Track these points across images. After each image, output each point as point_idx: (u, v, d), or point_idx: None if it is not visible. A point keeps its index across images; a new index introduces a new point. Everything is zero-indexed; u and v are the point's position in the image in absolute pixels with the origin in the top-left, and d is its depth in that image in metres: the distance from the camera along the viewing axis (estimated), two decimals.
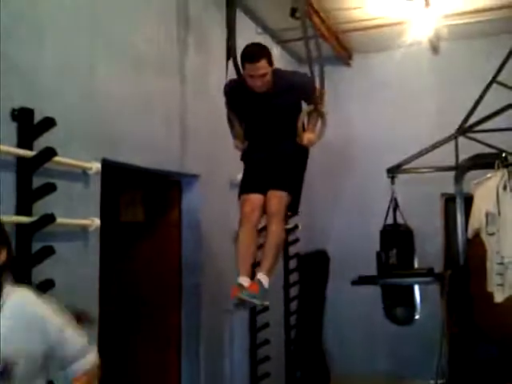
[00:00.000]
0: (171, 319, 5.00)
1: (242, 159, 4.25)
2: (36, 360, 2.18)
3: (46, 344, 2.20)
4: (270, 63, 3.80)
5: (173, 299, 5.01)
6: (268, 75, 3.80)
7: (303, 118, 4.00)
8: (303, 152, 4.15)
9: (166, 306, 5.02)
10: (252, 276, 3.85)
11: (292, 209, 4.12)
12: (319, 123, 4.13)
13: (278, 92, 3.91)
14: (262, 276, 3.79)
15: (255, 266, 4.03)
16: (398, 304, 6.15)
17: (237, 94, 4.07)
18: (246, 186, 4.09)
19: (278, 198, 3.94)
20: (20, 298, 2.21)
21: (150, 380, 5.02)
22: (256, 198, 3.98)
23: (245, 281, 3.77)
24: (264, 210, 4.00)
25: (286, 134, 4.06)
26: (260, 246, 4.01)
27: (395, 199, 6.07)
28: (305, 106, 4.06)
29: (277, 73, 3.93)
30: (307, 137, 4.03)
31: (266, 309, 5.80)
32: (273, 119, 4.01)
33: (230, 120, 4.20)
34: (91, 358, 2.35)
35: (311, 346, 6.95)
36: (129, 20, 4.19)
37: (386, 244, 6.07)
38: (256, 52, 3.79)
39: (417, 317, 6.15)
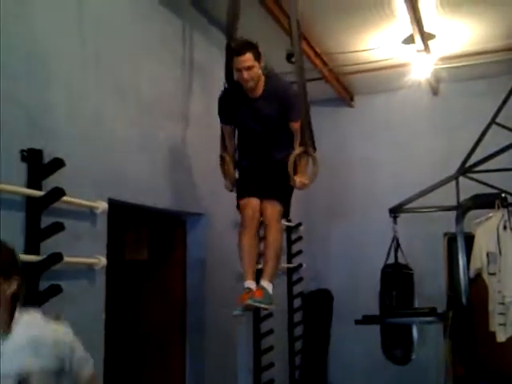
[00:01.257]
0: (176, 357, 5.01)
1: (234, 167, 4.35)
2: (48, 378, 2.26)
3: (58, 362, 2.29)
4: (257, 58, 3.91)
5: (177, 336, 5.03)
6: (255, 69, 3.90)
7: (293, 160, 4.06)
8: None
9: (171, 343, 5.04)
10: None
11: (284, 214, 4.23)
12: (311, 166, 4.21)
13: (266, 96, 4.03)
14: (265, 283, 3.96)
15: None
16: (395, 344, 6.15)
17: (229, 99, 4.18)
18: (244, 191, 4.19)
19: (272, 208, 4.09)
20: (29, 321, 2.29)
21: None
22: (255, 202, 4.11)
23: (251, 284, 3.96)
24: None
25: (275, 141, 4.15)
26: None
27: (397, 239, 6.11)
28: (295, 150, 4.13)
29: (270, 77, 4.07)
30: (299, 180, 4.11)
31: (270, 348, 5.82)
32: (261, 123, 4.09)
33: (222, 158, 4.28)
34: (90, 369, 2.47)
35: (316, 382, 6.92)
36: (134, 63, 4.29)
37: (387, 285, 6.09)
38: (242, 45, 3.92)
39: (413, 357, 6.13)
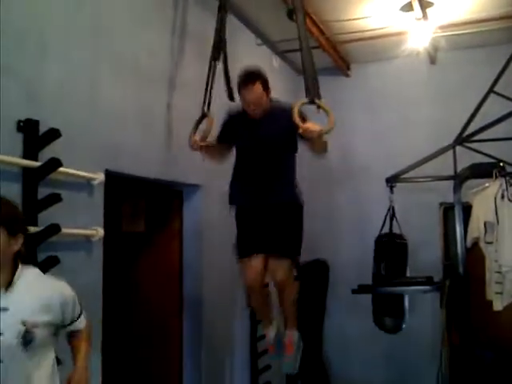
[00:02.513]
0: (172, 327, 5.02)
1: (230, 203, 4.19)
2: (50, 330, 2.40)
3: (61, 316, 2.47)
4: (266, 88, 3.81)
5: (174, 308, 5.03)
6: (263, 99, 3.81)
7: (298, 107, 3.75)
8: (298, 201, 4.05)
9: (168, 314, 5.04)
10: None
11: (294, 256, 4.05)
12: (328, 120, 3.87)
13: (269, 117, 3.90)
14: (291, 333, 4.09)
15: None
16: (386, 313, 6.18)
17: (232, 121, 4.10)
18: (244, 248, 3.98)
19: (283, 269, 3.88)
20: (31, 274, 2.41)
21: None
22: (258, 262, 3.91)
23: (271, 331, 4.13)
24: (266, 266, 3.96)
25: (276, 171, 3.95)
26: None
27: (393, 208, 6.10)
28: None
29: (274, 103, 3.95)
30: (311, 125, 3.71)
31: None
32: (262, 149, 3.92)
33: (212, 146, 4.13)
34: (85, 319, 2.70)
35: (312, 355, 6.96)
36: (130, 33, 4.22)
37: (380, 254, 6.10)
38: (251, 75, 3.82)
39: (404, 326, 6.17)
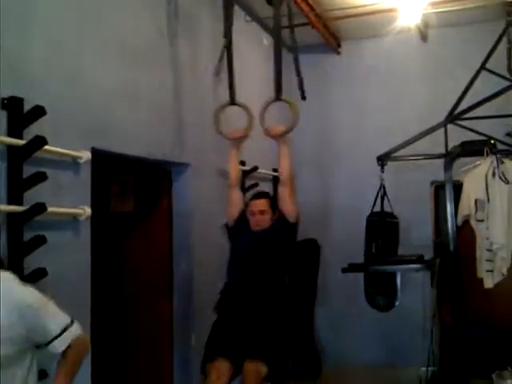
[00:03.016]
0: (162, 307, 5.00)
1: (215, 309, 4.21)
2: (17, 342, 2.19)
3: (24, 327, 2.21)
4: (272, 207, 4.22)
5: (164, 287, 5.00)
6: (267, 215, 4.17)
7: (264, 107, 4.02)
8: (283, 305, 4.17)
9: (158, 293, 5.02)
10: None
11: (276, 378, 3.95)
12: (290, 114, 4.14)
13: (267, 234, 4.20)
14: None
15: None
16: (379, 291, 6.17)
17: (238, 224, 4.36)
18: (213, 349, 3.88)
19: (254, 375, 3.72)
20: (1, 282, 2.20)
21: (142, 364, 5.04)
22: (224, 366, 3.77)
23: None
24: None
25: (266, 276, 4.12)
26: None
27: (384, 187, 6.06)
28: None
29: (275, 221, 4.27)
30: (273, 126, 4.16)
31: None
32: (257, 257, 4.15)
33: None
34: (74, 332, 2.35)
35: (303, 334, 6.97)
36: (117, 9, 4.15)
37: (371, 233, 6.08)
38: (262, 193, 4.45)
39: (397, 303, 6.17)
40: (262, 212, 4.18)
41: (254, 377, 3.69)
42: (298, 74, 4.58)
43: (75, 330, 2.36)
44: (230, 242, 4.48)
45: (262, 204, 4.21)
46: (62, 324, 2.32)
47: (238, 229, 4.36)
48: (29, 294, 2.27)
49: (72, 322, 2.36)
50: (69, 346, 2.32)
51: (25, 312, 2.20)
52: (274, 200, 4.33)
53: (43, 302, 2.30)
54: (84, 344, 2.46)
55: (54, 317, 2.32)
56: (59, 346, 2.30)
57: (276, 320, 4.03)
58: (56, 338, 2.29)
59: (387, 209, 6.09)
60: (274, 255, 4.19)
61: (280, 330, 4.02)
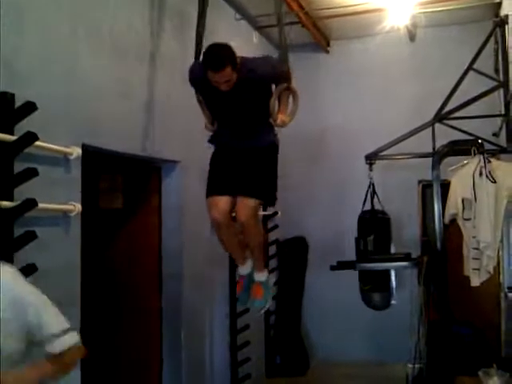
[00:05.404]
0: (152, 304, 5.01)
1: (209, 141, 4.05)
2: (17, 340, 2.17)
3: (25, 324, 2.18)
4: (235, 66, 3.52)
5: (153, 284, 5.01)
6: (233, 78, 3.55)
7: (276, 97, 3.78)
8: (274, 147, 3.97)
9: (147, 291, 5.02)
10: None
11: (270, 203, 4.01)
12: (291, 103, 3.93)
13: (239, 85, 3.65)
14: (260, 275, 3.97)
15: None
16: (374, 289, 6.21)
17: (200, 83, 3.82)
18: (213, 186, 3.91)
19: (248, 208, 3.76)
20: (3, 277, 2.19)
21: (132, 362, 5.05)
22: (223, 203, 3.81)
23: (244, 270, 4.00)
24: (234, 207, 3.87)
25: (255, 123, 3.87)
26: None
27: (373, 185, 6.11)
28: (276, 87, 3.84)
29: (242, 63, 3.64)
30: (281, 119, 3.81)
31: None
32: (238, 110, 3.79)
33: (199, 101, 4.00)
34: (71, 339, 2.29)
35: (290, 331, 7.01)
36: (108, 5, 4.16)
37: (364, 230, 6.11)
38: (220, 60, 3.48)
39: (393, 302, 6.21)
40: (226, 81, 3.54)
41: (248, 210, 3.76)
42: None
43: (74, 338, 2.31)
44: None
45: (225, 75, 3.49)
46: (63, 326, 2.29)
47: (201, 88, 3.86)
48: (30, 291, 2.26)
49: (72, 330, 2.32)
50: (67, 350, 2.27)
51: (25, 308, 2.18)
52: (234, 59, 3.53)
53: (43, 299, 2.28)
54: (79, 354, 2.40)
55: (55, 317, 2.29)
56: (58, 346, 2.25)
57: (265, 161, 3.88)
58: (56, 337, 2.24)
59: (377, 207, 6.13)
60: (255, 104, 3.76)
61: (268, 166, 3.88)
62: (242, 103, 3.76)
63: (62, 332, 2.27)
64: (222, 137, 4.00)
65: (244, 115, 3.83)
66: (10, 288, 2.19)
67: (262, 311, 4.09)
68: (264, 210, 6.59)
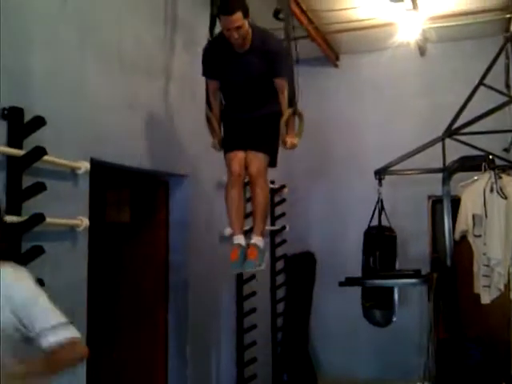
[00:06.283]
0: (158, 318, 4.97)
1: (221, 119, 4.28)
2: (9, 336, 2.13)
3: (12, 311, 2.14)
4: (246, 15, 3.74)
5: (160, 299, 4.98)
6: (244, 27, 3.75)
7: (285, 121, 4.03)
8: (277, 114, 4.13)
9: (153, 305, 4.99)
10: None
11: (271, 163, 4.16)
12: (297, 124, 4.19)
13: (253, 50, 3.90)
14: (257, 239, 4.01)
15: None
16: (376, 306, 6.15)
17: (214, 54, 4.04)
18: (230, 144, 4.13)
19: (258, 160, 4.01)
20: (3, 275, 2.17)
21: (137, 375, 4.99)
22: (241, 155, 4.05)
23: (240, 239, 4.02)
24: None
25: (261, 95, 4.06)
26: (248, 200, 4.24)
27: (381, 201, 6.06)
28: (285, 110, 4.09)
29: (255, 30, 3.91)
30: (290, 141, 4.09)
31: (252, 310, 5.82)
32: (248, 78, 3.98)
33: (208, 119, 4.22)
34: (67, 334, 2.21)
35: (298, 348, 6.94)
36: (117, 20, 4.17)
37: (370, 247, 6.07)
38: (231, 4, 3.72)
39: (394, 319, 6.14)
40: (238, 27, 3.71)
41: (258, 162, 4.01)
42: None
43: (72, 333, 2.23)
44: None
45: (236, 20, 3.68)
46: (57, 319, 2.21)
47: (216, 60, 4.04)
48: (24, 283, 2.23)
49: (69, 323, 2.24)
50: (61, 345, 2.18)
51: (12, 296, 2.15)
52: (245, 6, 3.76)
53: (37, 293, 2.23)
54: (78, 350, 2.29)
55: (48, 311, 2.21)
56: (52, 339, 2.16)
57: (271, 126, 4.09)
58: (49, 330, 2.17)
59: (385, 223, 6.07)
60: (266, 77, 3.98)
61: (274, 130, 4.08)
62: (253, 71, 3.97)
63: (54, 326, 2.18)
64: (231, 111, 4.22)
65: (253, 86, 4.02)
66: (4, 277, 2.16)
67: (256, 269, 4.10)
68: (272, 224, 6.56)
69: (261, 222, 4.07)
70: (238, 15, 3.68)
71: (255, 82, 4.01)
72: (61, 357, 2.20)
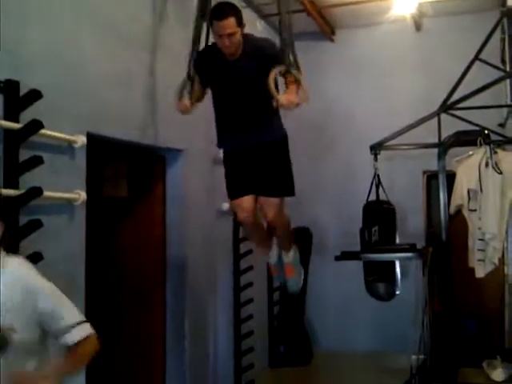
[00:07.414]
0: (156, 294, 5.00)
1: (218, 146, 4.09)
2: (31, 329, 2.19)
3: (35, 311, 2.21)
4: (239, 23, 3.61)
5: (157, 273, 5.00)
6: (237, 35, 3.61)
7: (273, 77, 3.65)
8: (285, 140, 4.00)
9: (151, 280, 5.01)
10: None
11: (288, 194, 4.04)
12: (297, 89, 3.78)
13: (245, 57, 3.73)
14: (287, 255, 4.17)
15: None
16: (379, 280, 6.18)
17: (205, 62, 3.90)
18: (234, 189, 3.96)
19: (274, 207, 3.90)
20: (17, 266, 2.24)
21: (135, 351, 5.03)
22: (248, 202, 3.91)
23: (272, 256, 4.22)
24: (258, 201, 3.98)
25: (257, 111, 3.81)
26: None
27: (378, 176, 6.06)
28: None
29: (247, 38, 3.75)
30: (286, 97, 3.64)
31: (249, 284, 5.85)
32: (243, 88, 3.78)
33: (188, 77, 3.95)
34: (86, 330, 2.34)
35: (294, 321, 6.99)
36: None
37: (369, 221, 6.08)
38: (224, 10, 3.60)
39: (397, 292, 6.19)
40: (230, 34, 3.57)
41: (274, 209, 3.92)
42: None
43: (90, 329, 2.36)
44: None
45: (229, 26, 3.55)
46: (78, 317, 2.34)
47: (207, 69, 3.88)
48: (42, 281, 2.29)
49: (86, 322, 2.37)
50: (83, 340, 2.31)
51: (35, 296, 2.21)
52: (239, 13, 3.65)
53: (56, 291, 2.31)
54: (95, 345, 2.41)
55: (70, 308, 2.33)
56: (75, 335, 2.29)
57: (280, 157, 3.94)
58: (72, 327, 2.29)
59: (382, 197, 6.09)
60: (260, 86, 3.67)
61: (283, 161, 3.95)
62: (248, 82, 3.76)
63: (77, 323, 2.31)
64: (229, 136, 3.99)
65: (250, 98, 3.80)
66: (21, 276, 2.23)
67: (299, 286, 4.33)
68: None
69: (287, 242, 4.17)
70: (231, 21, 3.56)
71: (250, 89, 3.78)
72: (83, 352, 2.35)
